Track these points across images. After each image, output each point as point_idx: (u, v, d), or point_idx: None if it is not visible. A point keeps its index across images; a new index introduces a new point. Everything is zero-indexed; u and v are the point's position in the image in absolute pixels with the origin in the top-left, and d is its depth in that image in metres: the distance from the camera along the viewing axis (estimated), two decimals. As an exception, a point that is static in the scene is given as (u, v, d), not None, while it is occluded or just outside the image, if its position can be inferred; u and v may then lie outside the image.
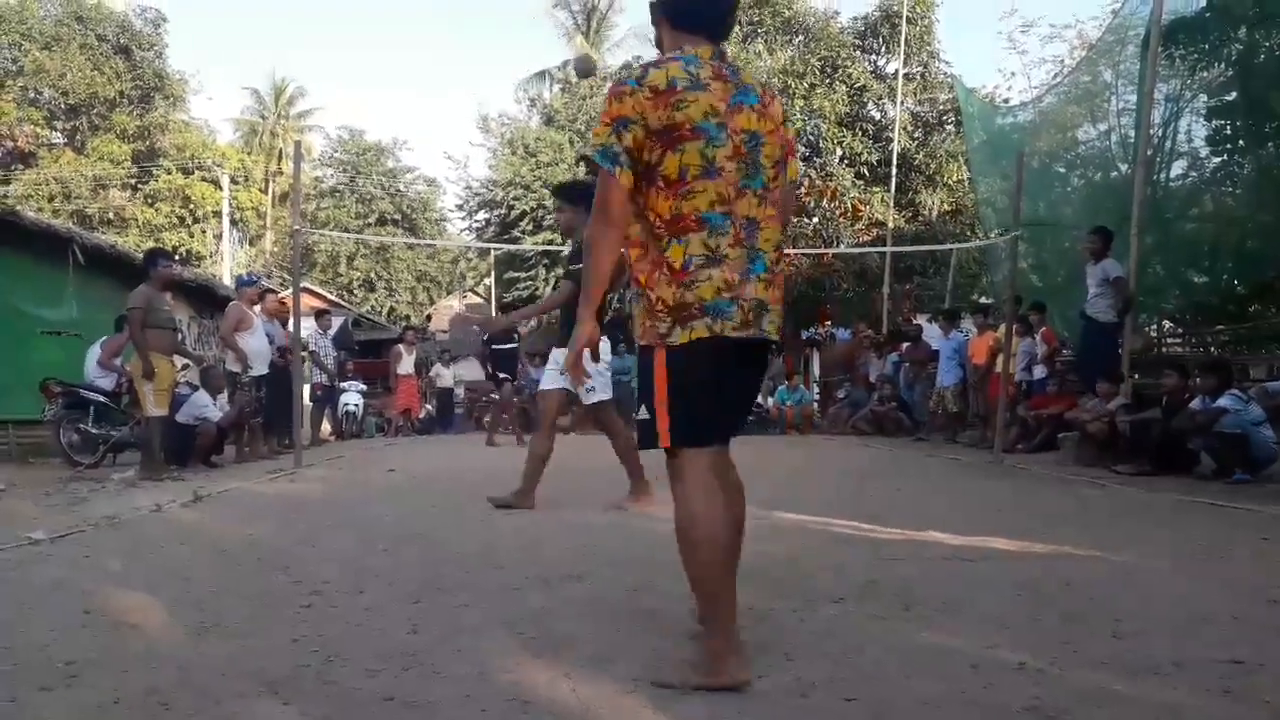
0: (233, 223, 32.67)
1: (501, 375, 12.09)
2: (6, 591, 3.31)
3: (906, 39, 18.40)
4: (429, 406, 16.71)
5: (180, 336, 9.02)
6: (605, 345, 3.33)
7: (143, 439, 7.66)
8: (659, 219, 2.20)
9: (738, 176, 2.20)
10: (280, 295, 11.57)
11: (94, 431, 8.53)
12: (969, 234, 18.00)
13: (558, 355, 5.41)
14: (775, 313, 2.31)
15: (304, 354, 10.31)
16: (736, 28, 19.45)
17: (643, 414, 2.26)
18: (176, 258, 27.34)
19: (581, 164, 22.61)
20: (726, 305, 2.17)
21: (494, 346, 12.16)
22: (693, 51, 2.26)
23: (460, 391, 18.18)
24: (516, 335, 12.66)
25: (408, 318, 30.78)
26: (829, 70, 18.92)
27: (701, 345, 2.18)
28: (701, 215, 2.17)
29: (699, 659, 2.22)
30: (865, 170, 19.10)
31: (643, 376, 2.27)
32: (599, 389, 5.60)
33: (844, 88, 18.85)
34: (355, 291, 33.72)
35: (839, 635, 2.61)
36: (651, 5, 2.40)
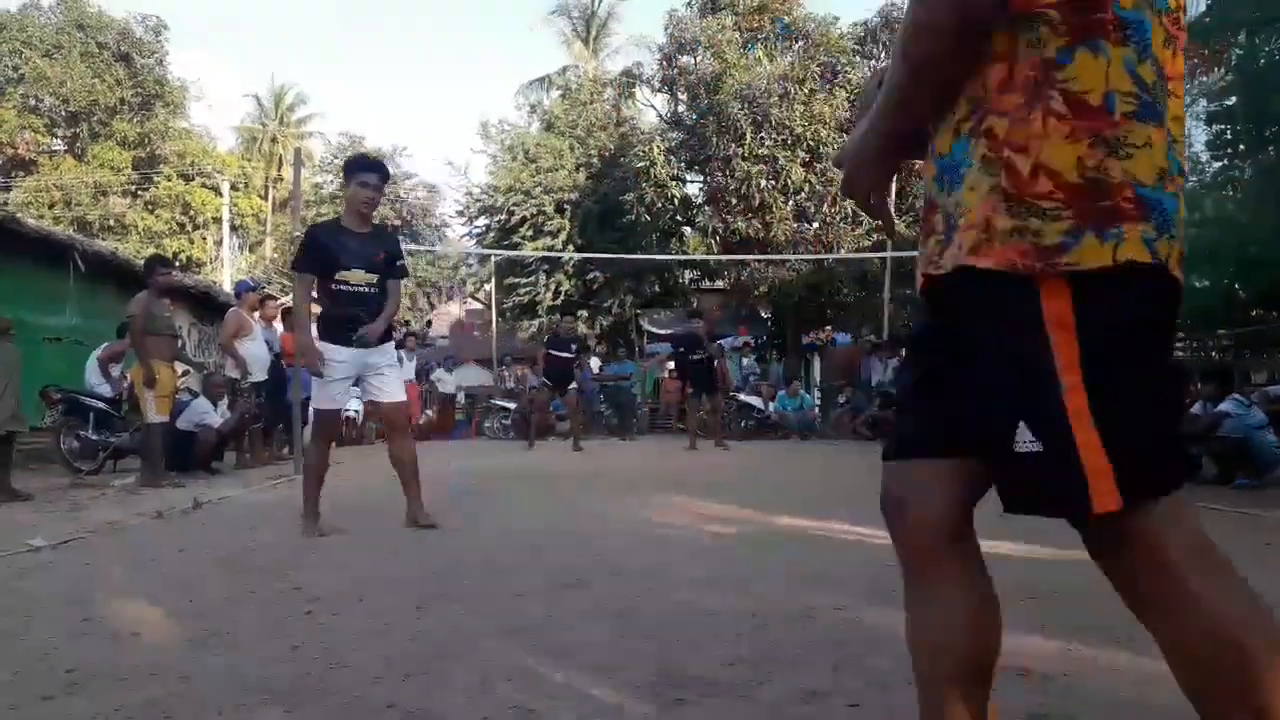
0: (233, 229, 32.68)
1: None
2: (7, 599, 3.30)
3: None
4: (430, 412, 16.69)
5: (180, 343, 9.04)
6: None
7: (144, 445, 7.66)
8: None
9: None
10: (280, 301, 11.56)
11: (94, 438, 8.53)
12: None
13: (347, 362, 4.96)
14: None
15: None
16: (736, 34, 19.63)
17: (1026, 445, 1.20)
18: (177, 264, 27.32)
19: (580, 170, 22.62)
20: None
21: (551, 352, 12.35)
22: None
23: (461, 397, 18.17)
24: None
25: (408, 323, 30.80)
26: (829, 76, 18.95)
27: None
28: None
29: None
30: (866, 175, 19.12)
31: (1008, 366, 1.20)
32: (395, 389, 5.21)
33: (844, 93, 18.87)
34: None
35: (842, 641, 2.60)
36: None
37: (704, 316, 13.31)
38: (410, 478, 5.01)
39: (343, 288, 4.81)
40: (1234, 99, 9.23)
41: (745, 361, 17.94)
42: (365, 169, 4.96)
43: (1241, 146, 9.31)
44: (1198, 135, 9.69)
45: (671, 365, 21.46)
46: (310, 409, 5.20)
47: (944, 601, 1.39)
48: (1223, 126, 9.51)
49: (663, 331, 21.30)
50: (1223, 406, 6.63)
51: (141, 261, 10.06)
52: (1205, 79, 9.34)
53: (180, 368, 8.33)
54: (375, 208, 4.98)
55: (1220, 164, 9.82)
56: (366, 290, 4.87)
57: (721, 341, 15.20)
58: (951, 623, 1.38)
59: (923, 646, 1.40)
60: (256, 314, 9.51)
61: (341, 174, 5.17)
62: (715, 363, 13.01)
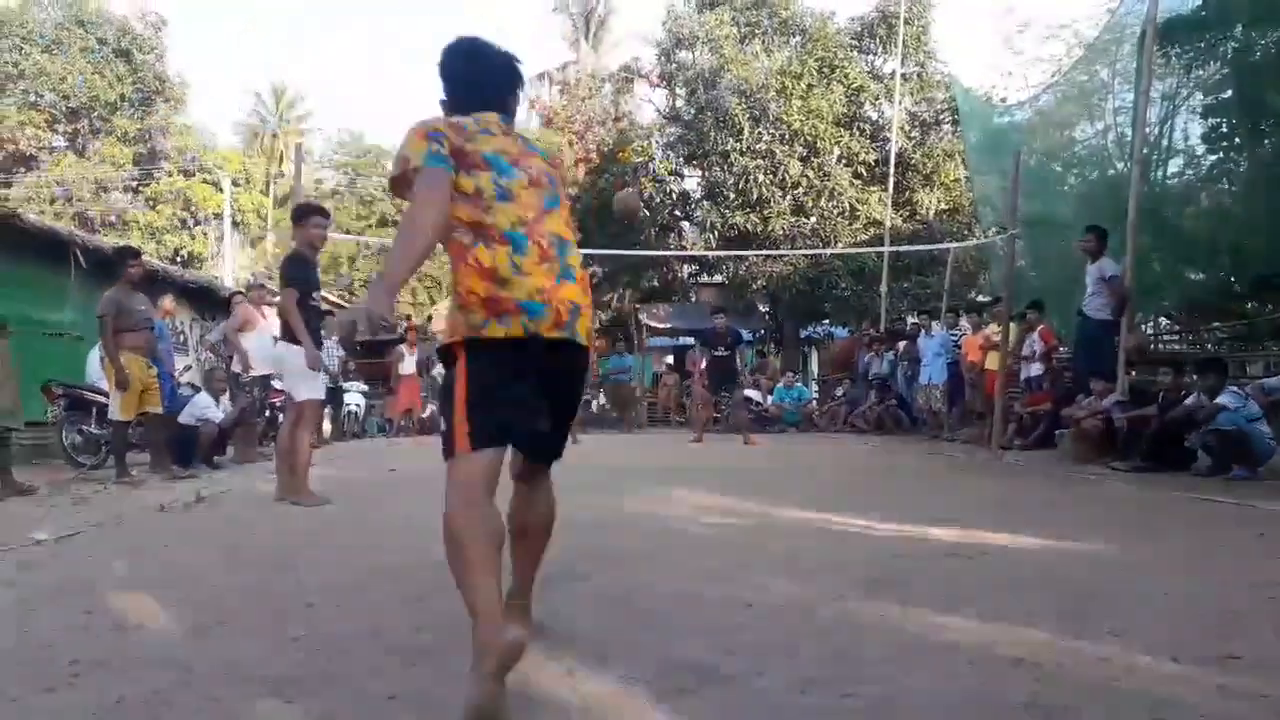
0: (234, 225, 32.62)
1: None
2: (10, 592, 3.33)
3: (903, 39, 18.41)
4: (431, 406, 16.71)
5: (180, 338, 9.03)
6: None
7: (111, 442, 7.67)
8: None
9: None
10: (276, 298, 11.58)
11: (96, 432, 8.54)
12: (966, 233, 18.02)
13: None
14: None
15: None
16: (734, 29, 19.60)
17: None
18: (178, 260, 27.20)
19: (579, 166, 22.61)
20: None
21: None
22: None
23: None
24: None
25: (409, 318, 30.80)
26: (826, 71, 18.93)
27: None
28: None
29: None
30: (863, 170, 19.11)
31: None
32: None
33: (841, 88, 18.85)
34: (357, 293, 33.72)
35: (838, 632, 2.63)
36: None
37: (724, 312, 13.41)
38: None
39: (313, 303, 5.98)
40: (1229, 92, 9.23)
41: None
42: (317, 213, 6.24)
43: (1237, 139, 9.31)
44: (1194, 128, 9.70)
45: (670, 360, 21.53)
46: (301, 401, 5.97)
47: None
48: (1218, 119, 9.51)
49: (684, 327, 21.33)
50: (1219, 399, 6.64)
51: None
52: (1201, 72, 9.35)
53: (181, 363, 8.33)
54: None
55: (1216, 157, 9.82)
56: (324, 306, 6.41)
57: (740, 334, 15.25)
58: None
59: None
60: (266, 309, 9.53)
61: (293, 219, 6.22)
62: (737, 358, 13.06)
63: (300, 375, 5.85)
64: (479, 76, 2.57)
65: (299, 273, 5.91)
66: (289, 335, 5.84)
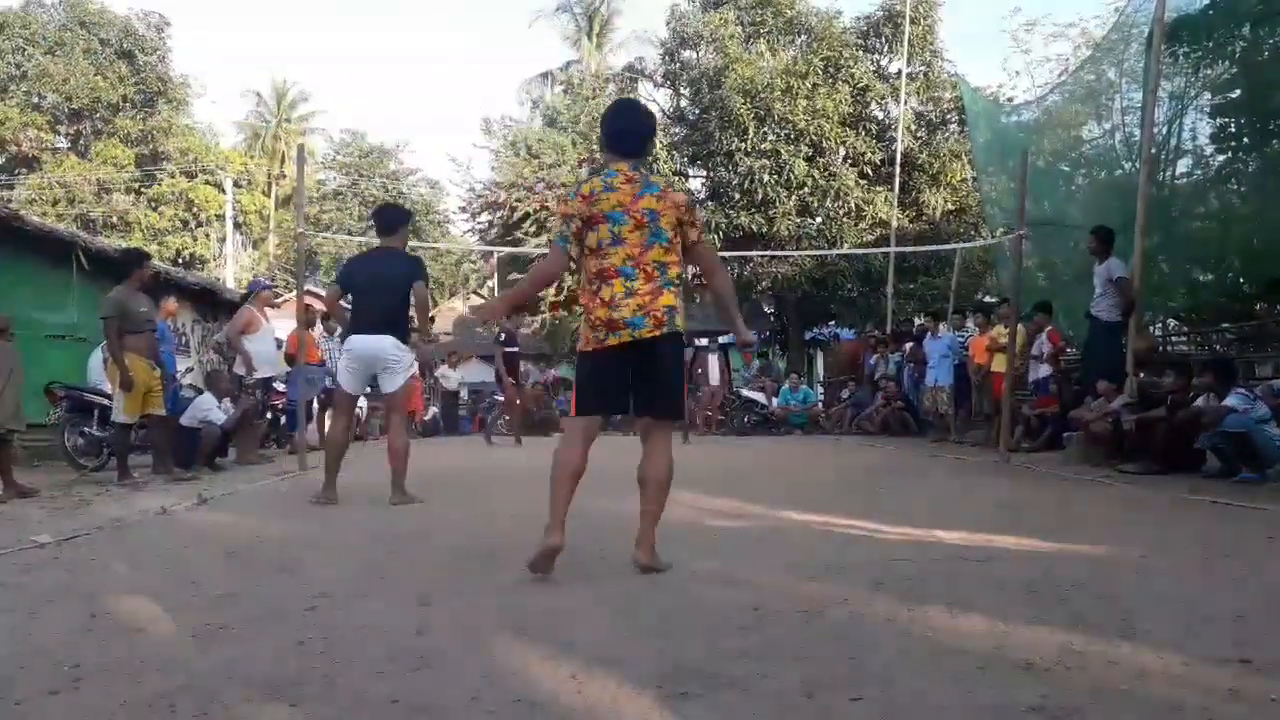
0: (236, 226, 32.71)
1: (509, 377, 12.29)
2: (13, 595, 3.32)
3: (910, 38, 18.38)
4: (434, 409, 16.72)
5: (182, 339, 9.03)
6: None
7: (114, 444, 7.67)
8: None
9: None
10: (285, 298, 11.61)
11: (98, 434, 8.54)
12: (973, 233, 17.99)
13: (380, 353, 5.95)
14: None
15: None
16: (739, 29, 19.58)
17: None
18: (180, 261, 27.23)
19: (583, 166, 22.63)
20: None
21: (506, 350, 12.36)
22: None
23: (465, 394, 18.19)
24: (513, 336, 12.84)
25: (410, 319, 30.71)
26: (832, 70, 18.90)
27: None
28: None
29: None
30: (869, 170, 19.09)
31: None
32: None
33: (847, 88, 18.82)
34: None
35: (845, 635, 2.61)
36: None
37: None
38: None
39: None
40: (1238, 91, 9.18)
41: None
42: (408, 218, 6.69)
43: (1246, 139, 9.27)
44: (1202, 128, 9.65)
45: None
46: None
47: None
48: (1227, 119, 9.46)
49: (690, 329, 21.28)
50: (1228, 400, 6.60)
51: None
52: (1209, 71, 9.30)
53: (183, 365, 8.33)
54: None
55: (1224, 157, 9.76)
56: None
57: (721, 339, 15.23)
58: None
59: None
60: (270, 311, 9.54)
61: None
62: (710, 358, 12.97)
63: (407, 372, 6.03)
64: (621, 131, 3.54)
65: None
66: (403, 334, 5.90)
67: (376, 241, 6.48)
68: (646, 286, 3.30)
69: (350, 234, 31.08)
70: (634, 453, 3.60)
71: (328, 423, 12.67)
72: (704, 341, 16.77)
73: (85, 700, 2.16)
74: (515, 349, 12.91)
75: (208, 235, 32.26)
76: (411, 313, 5.97)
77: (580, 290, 3.47)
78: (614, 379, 3.39)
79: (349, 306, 6.40)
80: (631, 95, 24.45)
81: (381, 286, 5.87)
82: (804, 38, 20.02)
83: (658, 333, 3.30)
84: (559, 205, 3.50)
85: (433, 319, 6.18)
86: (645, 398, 3.44)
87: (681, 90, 21.36)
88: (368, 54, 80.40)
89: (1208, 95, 9.47)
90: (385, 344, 5.84)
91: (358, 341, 5.86)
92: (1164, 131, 9.36)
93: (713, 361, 15.60)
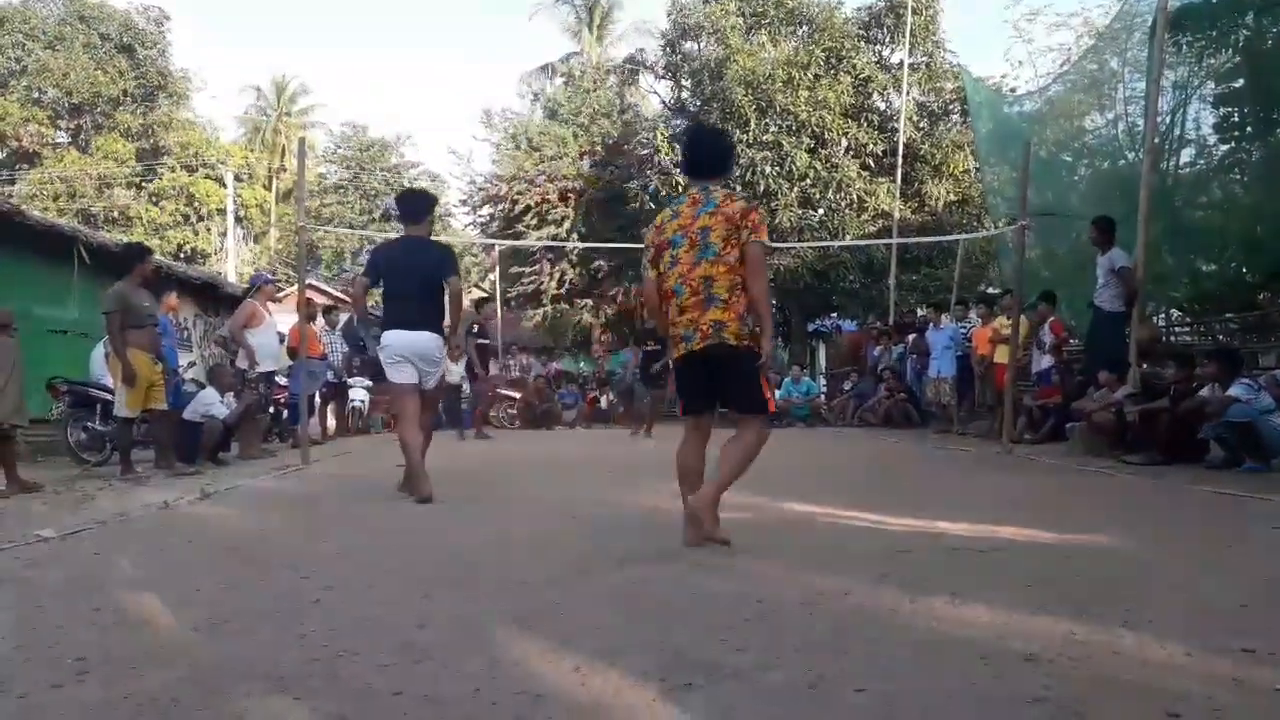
0: (237, 220, 32.68)
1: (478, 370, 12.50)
2: (17, 589, 3.33)
3: (911, 29, 18.30)
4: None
5: (184, 334, 9.04)
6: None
7: (117, 439, 7.69)
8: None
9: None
10: (287, 293, 11.61)
11: (101, 429, 8.55)
12: (975, 224, 17.93)
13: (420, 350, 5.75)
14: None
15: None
16: (740, 19, 19.50)
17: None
18: (182, 256, 27.18)
19: (584, 158, 22.57)
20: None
21: (479, 342, 12.47)
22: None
23: (466, 388, 18.16)
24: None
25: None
26: (834, 61, 18.82)
27: None
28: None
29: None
30: (871, 161, 19.01)
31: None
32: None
33: (849, 78, 18.73)
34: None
35: (848, 627, 2.61)
36: None
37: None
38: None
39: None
40: (1241, 81, 9.15)
41: None
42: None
43: (1249, 129, 9.24)
44: (1205, 118, 9.62)
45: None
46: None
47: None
48: (1230, 108, 9.43)
49: None
50: (1231, 390, 6.59)
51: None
52: (1213, 61, 9.26)
53: (185, 359, 8.33)
54: None
55: (1228, 146, 9.74)
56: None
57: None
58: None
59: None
60: (272, 305, 9.54)
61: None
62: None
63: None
64: (690, 161, 4.03)
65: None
66: (441, 329, 5.71)
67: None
68: (692, 301, 3.74)
69: (351, 228, 31.11)
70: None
71: (329, 417, 12.74)
72: None
73: (88, 693, 2.16)
74: (485, 341, 13.17)
75: (209, 230, 32.27)
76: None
77: (660, 312, 4.04)
78: (692, 382, 3.92)
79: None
80: (631, 85, 24.39)
81: (416, 279, 5.62)
82: (805, 28, 19.93)
83: (708, 344, 3.71)
84: (646, 242, 4.04)
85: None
86: (723, 396, 3.90)
87: (683, 82, 21.29)
88: (367, 48, 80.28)
89: (1211, 84, 9.44)
90: (431, 344, 5.65)
91: (398, 338, 5.61)
92: (1167, 121, 9.33)
93: None
